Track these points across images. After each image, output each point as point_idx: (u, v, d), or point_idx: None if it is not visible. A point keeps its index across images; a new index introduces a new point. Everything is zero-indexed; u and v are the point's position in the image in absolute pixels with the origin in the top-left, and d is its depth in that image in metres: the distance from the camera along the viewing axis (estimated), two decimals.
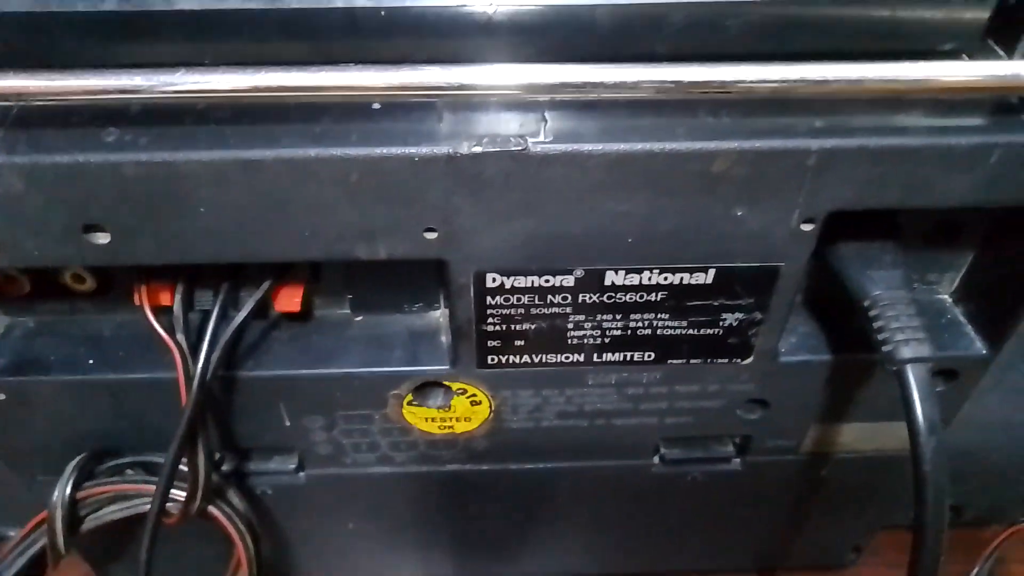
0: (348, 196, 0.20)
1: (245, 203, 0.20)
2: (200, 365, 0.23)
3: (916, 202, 0.21)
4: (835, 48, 0.19)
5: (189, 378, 0.23)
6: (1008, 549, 0.33)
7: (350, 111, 0.20)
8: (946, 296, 0.26)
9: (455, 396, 0.26)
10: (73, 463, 0.26)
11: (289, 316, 0.25)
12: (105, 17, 0.19)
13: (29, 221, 0.20)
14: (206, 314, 0.24)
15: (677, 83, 0.19)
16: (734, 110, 0.20)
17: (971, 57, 0.20)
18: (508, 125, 0.20)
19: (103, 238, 0.20)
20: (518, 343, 0.24)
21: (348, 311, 0.26)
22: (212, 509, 0.26)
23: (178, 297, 0.23)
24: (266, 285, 0.23)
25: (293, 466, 0.29)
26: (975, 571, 0.32)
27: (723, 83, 0.19)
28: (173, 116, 0.20)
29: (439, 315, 0.26)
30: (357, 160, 0.19)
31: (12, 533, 0.34)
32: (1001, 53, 0.21)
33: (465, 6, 0.19)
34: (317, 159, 0.19)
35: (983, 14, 0.20)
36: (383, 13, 0.19)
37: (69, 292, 0.25)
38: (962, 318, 0.26)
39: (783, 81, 0.19)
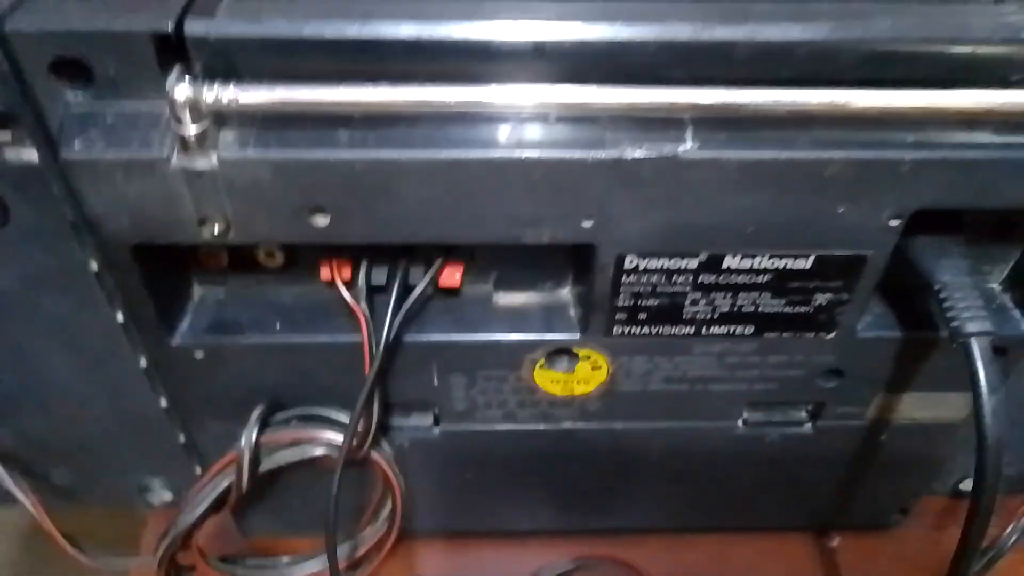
0: (529, 191, 0.25)
1: (445, 194, 0.25)
2: (385, 331, 0.27)
3: (985, 204, 0.26)
4: (929, 76, 0.24)
5: (374, 342, 0.28)
6: None
7: (532, 120, 0.24)
8: (996, 285, 0.31)
9: (580, 361, 0.31)
10: (256, 412, 0.31)
11: (446, 291, 0.30)
12: (344, 42, 0.23)
13: (267, 205, 0.25)
14: (378, 288, 0.29)
15: (802, 104, 0.23)
16: (843, 125, 0.25)
17: None
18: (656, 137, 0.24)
19: (324, 220, 0.25)
20: (641, 316, 0.29)
21: (491, 287, 0.31)
22: (373, 454, 0.31)
23: (362, 273, 0.28)
24: (437, 264, 0.28)
25: (430, 422, 0.33)
26: (1008, 530, 0.37)
27: (836, 104, 0.23)
28: (392, 122, 0.24)
29: (567, 292, 0.31)
30: (541, 162, 0.24)
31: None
32: None
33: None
34: (509, 160, 0.24)
35: None
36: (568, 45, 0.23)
37: (259, 266, 0.30)
38: (1010, 303, 0.31)
39: (884, 105, 0.23)
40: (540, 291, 0.31)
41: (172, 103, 0.22)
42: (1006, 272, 0.31)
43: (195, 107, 0.22)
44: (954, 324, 0.27)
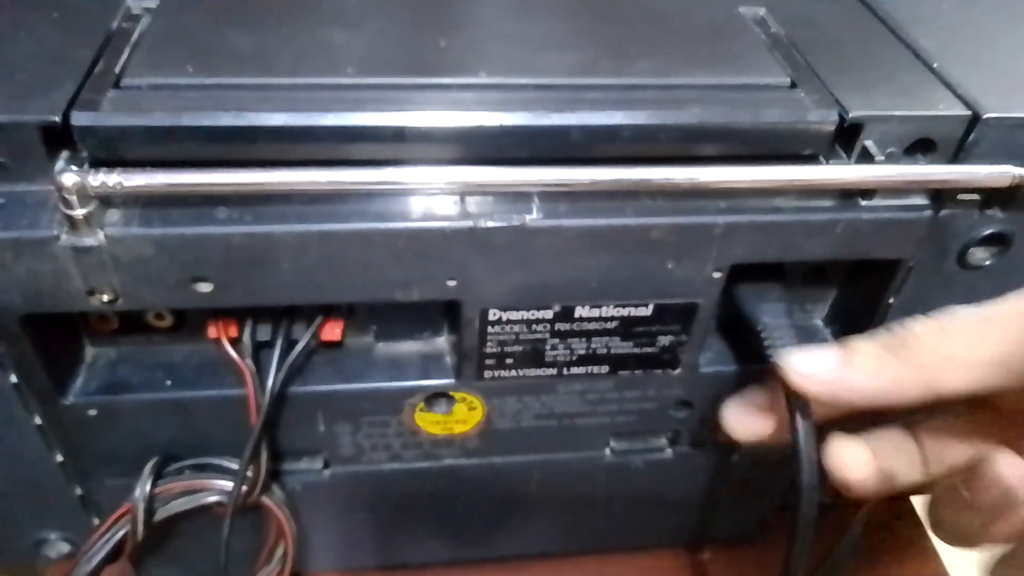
0: (395, 257, 0.27)
1: (319, 262, 0.27)
2: (270, 384, 0.30)
3: (790, 257, 0.30)
4: (733, 152, 0.28)
5: (260, 395, 0.30)
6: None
7: (396, 195, 0.27)
8: (819, 321, 0.36)
9: (457, 403, 0.33)
10: (150, 465, 0.32)
11: (328, 344, 0.32)
12: (218, 129, 0.26)
13: (152, 276, 0.27)
14: (263, 343, 0.31)
15: (628, 179, 0.27)
16: (664, 196, 0.29)
17: (826, 158, 0.30)
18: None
19: (207, 287, 0.27)
20: (508, 361, 0.32)
21: (372, 339, 0.34)
22: (264, 499, 0.33)
23: (247, 331, 0.30)
24: (318, 320, 0.31)
25: (320, 465, 0.36)
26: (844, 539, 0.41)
27: (655, 180, 0.27)
28: (266, 199, 0.27)
29: (443, 341, 0.34)
30: (405, 232, 0.27)
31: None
32: (843, 156, 0.30)
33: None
34: (375, 231, 0.27)
35: (829, 128, 0.29)
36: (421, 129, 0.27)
37: (148, 327, 0.32)
38: (830, 337, 0.35)
39: (698, 180, 0.27)
40: (418, 340, 0.34)
41: (60, 187, 0.24)
42: (827, 310, 0.36)
43: (82, 191, 0.25)
44: (772, 360, 0.31)
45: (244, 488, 0.32)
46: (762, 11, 0.34)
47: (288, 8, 0.31)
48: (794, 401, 0.29)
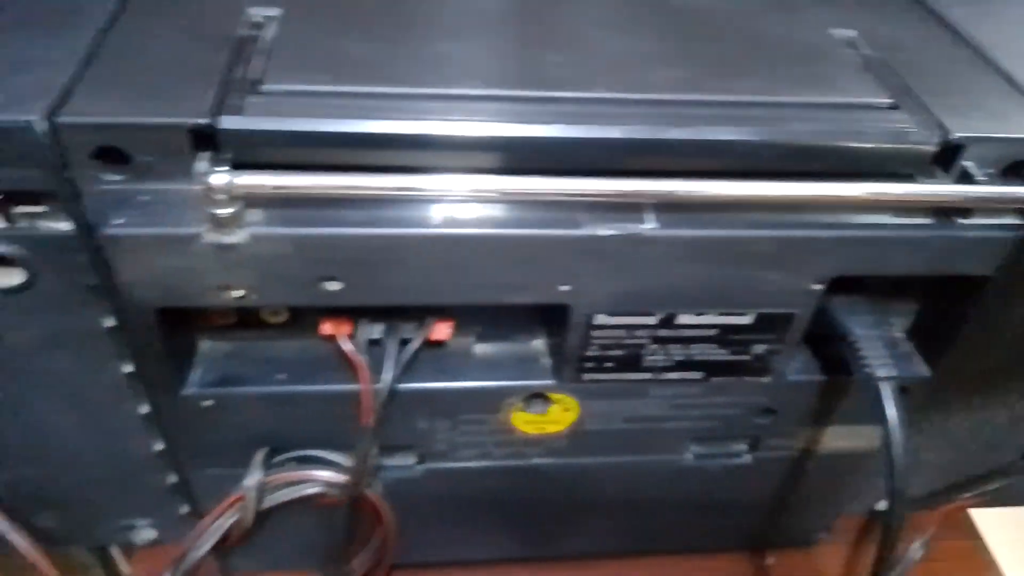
0: (515, 261, 0.29)
1: (444, 265, 0.28)
2: (389, 381, 0.31)
3: (887, 271, 0.31)
4: (837, 169, 0.29)
5: (374, 391, 0.31)
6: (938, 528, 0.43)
7: (520, 204, 0.29)
8: (901, 334, 0.37)
9: (552, 404, 0.35)
10: (261, 455, 0.33)
11: (431, 343, 0.34)
12: (357, 136, 0.27)
13: (285, 273, 0.28)
14: (372, 342, 0.32)
15: (740, 193, 0.28)
16: (772, 209, 0.30)
17: (923, 177, 0.31)
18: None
19: (335, 286, 0.29)
20: (607, 364, 0.33)
21: (472, 340, 0.35)
22: (367, 491, 0.34)
23: (362, 329, 0.32)
24: (430, 321, 0.32)
25: (413, 461, 0.37)
26: (916, 543, 0.42)
27: (765, 193, 0.29)
28: (397, 203, 0.28)
29: (539, 343, 0.35)
30: (527, 238, 0.28)
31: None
32: (939, 175, 0.31)
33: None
34: (500, 236, 0.28)
35: (931, 149, 0.30)
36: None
37: (262, 323, 0.33)
38: (912, 350, 0.36)
39: (804, 194, 0.29)
40: (514, 342, 0.35)
41: (209, 188, 0.26)
42: (909, 324, 0.37)
43: (230, 192, 0.26)
44: (866, 370, 0.32)
45: (353, 480, 0.33)
46: (853, 33, 0.35)
47: (404, 20, 0.33)
48: (889, 410, 0.30)
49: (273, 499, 0.34)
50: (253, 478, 0.32)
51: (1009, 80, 0.33)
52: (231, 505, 0.33)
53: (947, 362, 0.35)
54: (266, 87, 0.28)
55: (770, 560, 0.46)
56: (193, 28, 0.31)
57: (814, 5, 0.37)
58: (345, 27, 0.32)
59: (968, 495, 0.42)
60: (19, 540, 0.37)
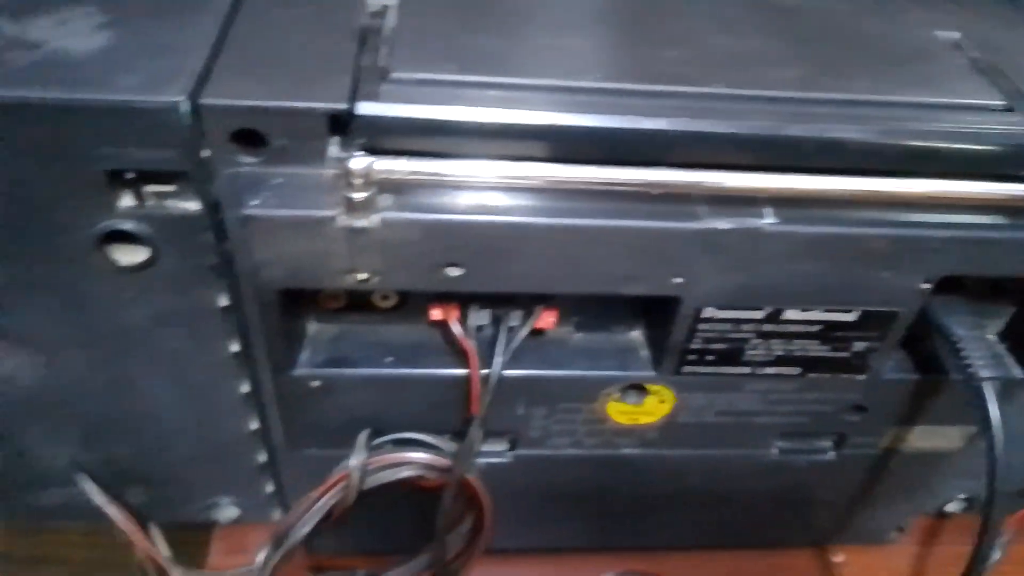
0: (633, 252, 0.29)
1: (564, 254, 0.29)
2: (499, 367, 0.31)
3: (996, 272, 0.31)
4: (952, 169, 0.30)
5: (482, 377, 0.32)
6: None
7: (639, 196, 0.29)
8: (993, 336, 0.37)
9: (648, 396, 0.35)
10: (364, 436, 0.34)
11: (533, 332, 0.34)
12: (490, 126, 0.28)
13: (411, 258, 0.29)
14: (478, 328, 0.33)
15: (858, 190, 0.29)
16: (889, 208, 0.30)
17: None
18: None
19: (457, 272, 0.29)
20: (708, 357, 0.33)
21: (571, 329, 0.35)
22: (468, 475, 0.34)
23: (471, 315, 0.32)
24: (538, 309, 0.32)
25: (506, 447, 0.37)
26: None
27: (883, 191, 0.29)
28: (524, 192, 0.28)
29: (636, 334, 0.36)
30: (647, 230, 0.29)
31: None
32: None
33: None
34: (620, 228, 0.28)
35: None
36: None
37: (370, 306, 0.34)
38: (1005, 352, 0.36)
39: (922, 191, 0.29)
40: (612, 333, 0.36)
41: (348, 172, 0.26)
42: (1002, 325, 0.37)
43: (368, 176, 0.26)
44: (968, 370, 0.32)
45: (455, 464, 0.34)
46: (957, 35, 0.35)
47: (516, 11, 0.33)
48: (992, 410, 0.31)
49: (373, 480, 0.34)
50: (358, 458, 0.33)
51: None
52: (335, 484, 0.33)
53: None
54: (395, 75, 0.28)
55: (840, 557, 0.46)
56: (315, 15, 0.31)
57: (914, 7, 0.37)
58: (461, 16, 0.32)
59: None
60: (116, 514, 0.38)
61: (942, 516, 0.47)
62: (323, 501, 0.33)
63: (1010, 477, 0.32)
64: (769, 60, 0.32)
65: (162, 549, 0.38)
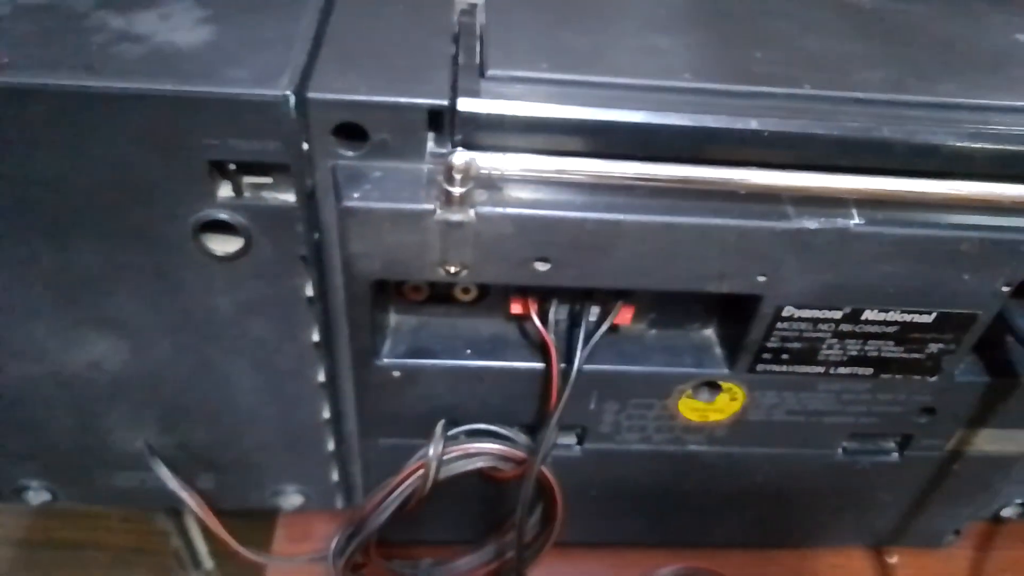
0: (720, 251, 0.30)
1: (652, 251, 0.29)
2: (578, 361, 0.32)
3: None
4: None
5: (561, 370, 0.32)
6: None
7: (727, 195, 0.29)
8: None
9: (721, 393, 0.35)
10: (440, 427, 0.35)
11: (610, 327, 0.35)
12: (584, 123, 0.28)
13: (502, 252, 0.29)
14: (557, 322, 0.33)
15: (944, 192, 0.29)
16: (977, 210, 0.30)
17: None
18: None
19: (544, 267, 0.30)
20: (783, 356, 0.34)
21: (645, 326, 0.36)
22: (542, 468, 0.35)
23: (552, 310, 0.33)
24: (618, 305, 0.33)
25: (574, 441, 0.38)
26: None
27: (971, 194, 0.29)
28: (613, 189, 0.29)
29: (709, 332, 0.36)
30: (736, 228, 0.29)
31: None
32: None
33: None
34: (710, 226, 0.29)
35: None
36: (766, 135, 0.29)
37: (451, 299, 0.34)
38: None
39: (1010, 195, 0.29)
40: (685, 330, 0.36)
41: (451, 167, 0.27)
42: None
43: (468, 171, 0.27)
44: None
45: (531, 456, 0.34)
46: None
47: (602, 12, 0.34)
48: None
49: (449, 470, 0.35)
50: (435, 447, 0.34)
51: None
52: (412, 473, 0.34)
53: None
54: (491, 72, 0.29)
55: (894, 559, 0.46)
56: (408, 11, 0.32)
57: (993, 11, 0.37)
58: (547, 14, 0.33)
59: None
60: (189, 499, 0.39)
61: (998, 521, 0.47)
62: (401, 490, 0.34)
63: None
64: (856, 62, 0.32)
65: (229, 536, 0.39)
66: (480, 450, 0.35)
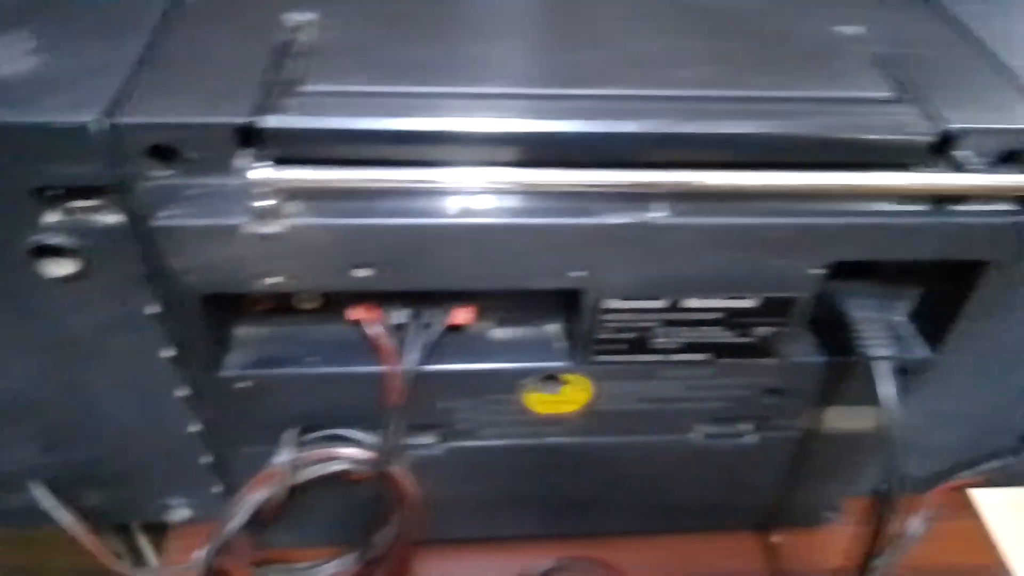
0: (531, 249, 0.31)
1: (468, 253, 0.30)
2: (414, 362, 0.33)
3: (886, 257, 0.33)
4: (840, 160, 0.31)
5: (401, 373, 0.33)
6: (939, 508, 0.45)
7: (538, 194, 0.31)
8: (903, 318, 0.38)
9: (566, 385, 0.37)
10: (290, 434, 0.36)
11: (452, 328, 0.36)
12: (391, 132, 0.29)
13: (321, 261, 0.30)
14: (397, 326, 0.34)
15: (746, 183, 0.30)
16: (778, 199, 0.31)
17: (921, 167, 0.32)
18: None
19: (367, 272, 0.31)
20: (619, 346, 0.35)
21: (489, 324, 0.37)
22: (392, 468, 0.36)
23: (387, 314, 0.34)
24: (452, 306, 0.34)
25: (436, 440, 0.39)
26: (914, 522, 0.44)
27: (772, 184, 0.30)
28: (423, 195, 0.30)
29: (554, 328, 0.37)
30: (542, 226, 0.30)
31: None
32: (936, 165, 0.32)
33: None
34: (519, 226, 0.30)
35: (929, 139, 0.32)
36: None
37: (293, 309, 0.35)
38: (913, 332, 0.38)
39: (809, 183, 0.30)
40: (532, 327, 0.37)
41: (252, 182, 0.28)
42: (910, 307, 0.38)
43: (271, 186, 0.28)
44: (861, 350, 0.34)
45: (379, 458, 0.35)
46: (860, 30, 0.37)
47: (433, 24, 0.35)
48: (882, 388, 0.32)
49: (304, 475, 0.36)
50: (285, 455, 0.35)
51: (1009, 73, 0.34)
52: (264, 481, 0.35)
53: (948, 344, 0.36)
54: (307, 88, 0.30)
55: (776, 539, 0.48)
56: (236, 32, 0.33)
57: (820, 5, 0.38)
58: (378, 31, 0.34)
59: (968, 475, 0.43)
60: (64, 517, 0.40)
61: (878, 495, 0.48)
62: (252, 498, 0.35)
63: (920, 459, 0.33)
64: (672, 60, 0.33)
65: (104, 551, 0.40)
66: (333, 455, 0.36)
